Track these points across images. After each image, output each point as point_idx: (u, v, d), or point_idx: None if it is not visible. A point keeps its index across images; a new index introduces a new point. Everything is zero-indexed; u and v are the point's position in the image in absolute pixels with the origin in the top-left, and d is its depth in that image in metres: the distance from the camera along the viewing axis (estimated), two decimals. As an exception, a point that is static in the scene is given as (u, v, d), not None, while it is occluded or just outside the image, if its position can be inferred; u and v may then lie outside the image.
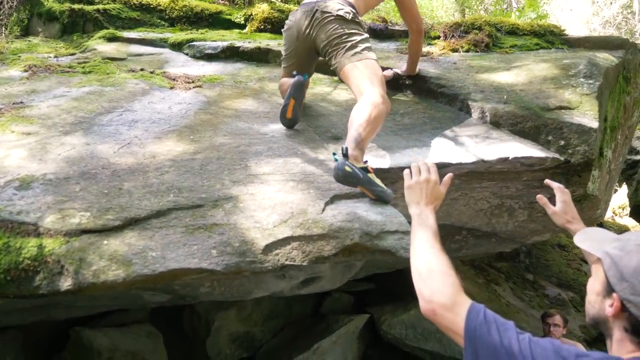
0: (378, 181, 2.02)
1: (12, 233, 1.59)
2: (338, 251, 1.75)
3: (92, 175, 1.93)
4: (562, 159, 2.54)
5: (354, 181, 1.96)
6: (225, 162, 2.14)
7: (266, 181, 2.02)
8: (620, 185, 7.85)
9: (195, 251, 1.62)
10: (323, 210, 1.88)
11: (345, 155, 1.99)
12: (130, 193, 1.84)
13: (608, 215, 8.09)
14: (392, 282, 5.06)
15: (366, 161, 2.11)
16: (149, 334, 3.79)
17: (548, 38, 3.68)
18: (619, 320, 1.00)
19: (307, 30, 2.55)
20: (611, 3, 7.82)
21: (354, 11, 2.55)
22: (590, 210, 3.40)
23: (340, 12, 2.50)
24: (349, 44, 2.44)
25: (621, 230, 7.61)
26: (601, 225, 6.96)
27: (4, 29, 3.88)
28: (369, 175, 1.99)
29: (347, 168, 1.94)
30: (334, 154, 2.11)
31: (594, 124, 2.52)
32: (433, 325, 4.31)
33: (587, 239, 1.15)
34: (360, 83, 2.34)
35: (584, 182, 2.92)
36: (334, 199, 1.97)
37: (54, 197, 1.75)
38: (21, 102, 2.52)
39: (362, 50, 2.44)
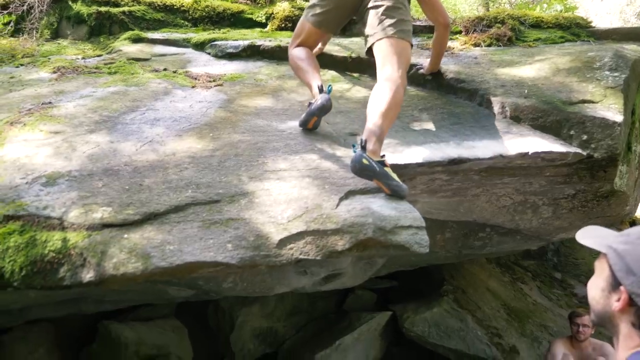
0: (394, 175, 2.02)
1: (38, 227, 1.66)
2: (352, 246, 1.76)
3: (114, 171, 1.99)
4: (584, 153, 2.48)
5: (370, 174, 1.98)
6: (242, 158, 2.18)
7: (282, 177, 2.05)
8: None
9: (211, 245, 1.66)
10: (337, 205, 1.89)
11: (364, 147, 2.01)
12: (150, 189, 1.90)
13: (641, 213, 7.82)
14: (415, 280, 5.04)
15: (383, 155, 2.11)
16: (175, 328, 3.90)
17: (574, 30, 3.59)
18: (626, 315, 0.98)
19: None
20: (645, -7, 7.55)
21: None
22: (619, 207, 3.31)
23: None
24: (398, 18, 2.39)
25: (656, 228, 7.34)
26: (633, 222, 6.75)
27: (35, 32, 4.03)
28: (386, 169, 2.00)
29: (365, 161, 1.97)
30: (354, 145, 2.12)
31: (618, 118, 2.45)
32: (457, 323, 4.26)
33: (589, 236, 1.13)
34: (390, 60, 2.32)
35: (610, 178, 2.85)
36: (349, 194, 1.98)
37: (78, 193, 1.82)
38: (50, 103, 2.62)
39: (406, 30, 2.40)
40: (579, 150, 2.48)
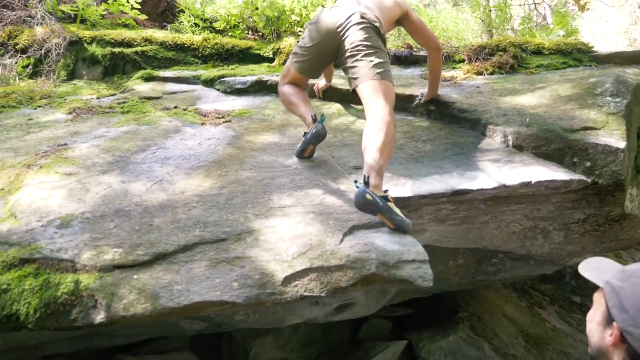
0: (397, 210, 2.05)
1: (52, 269, 1.72)
2: (355, 281, 1.78)
3: (125, 212, 2.06)
4: (589, 180, 2.48)
5: (374, 209, 2.02)
6: (249, 195, 2.24)
7: (287, 213, 2.10)
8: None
9: (217, 284, 1.70)
10: (341, 241, 1.93)
11: (367, 183, 2.06)
12: (159, 229, 1.96)
13: (660, 233, 7.65)
14: (430, 307, 4.98)
15: (386, 190, 2.16)
16: (189, 361, 3.90)
17: (575, 56, 3.63)
18: (618, 350, 1.00)
19: (340, 29, 2.56)
20: (650, 12, 7.57)
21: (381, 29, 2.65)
22: (632, 230, 3.27)
23: (376, 24, 2.58)
24: (377, 61, 2.48)
25: (676, 248, 7.16)
26: (653, 244, 6.60)
27: (52, 74, 4.21)
28: (389, 204, 2.04)
29: (368, 196, 2.01)
30: (356, 181, 2.17)
31: (621, 144, 2.45)
32: (473, 351, 4.18)
33: (591, 268, 1.15)
34: (377, 100, 2.39)
35: (620, 202, 2.83)
36: (353, 229, 2.02)
37: (91, 235, 1.89)
38: (65, 144, 2.72)
39: (386, 71, 2.50)
40: (583, 177, 2.48)
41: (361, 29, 2.52)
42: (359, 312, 3.59)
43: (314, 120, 2.53)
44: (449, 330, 4.64)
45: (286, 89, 2.82)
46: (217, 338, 4.35)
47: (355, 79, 2.51)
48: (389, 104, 2.39)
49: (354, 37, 2.52)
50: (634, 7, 7.89)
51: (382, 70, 2.47)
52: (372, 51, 2.50)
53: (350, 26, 2.53)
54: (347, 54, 2.53)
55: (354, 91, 2.61)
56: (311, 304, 3.09)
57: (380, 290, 3.41)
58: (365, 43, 2.50)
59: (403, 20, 2.92)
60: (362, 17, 2.54)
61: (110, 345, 3.34)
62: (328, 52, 2.67)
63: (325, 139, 2.55)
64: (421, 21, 2.98)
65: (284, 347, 4.36)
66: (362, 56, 2.48)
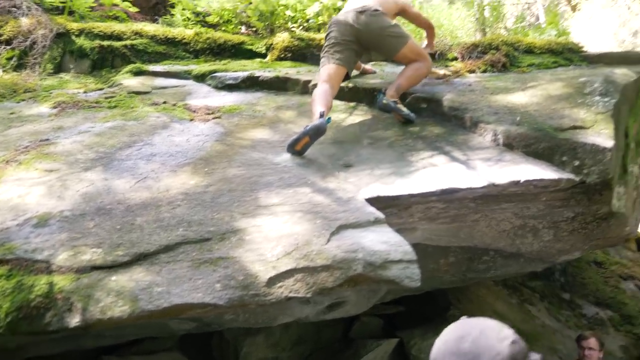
0: (405, 109, 2.94)
1: (25, 271, 1.67)
2: (342, 282, 1.75)
3: (107, 210, 2.01)
4: (577, 179, 2.48)
5: (388, 109, 2.91)
6: (236, 194, 2.19)
7: (274, 212, 2.06)
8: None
9: (199, 285, 1.65)
10: (328, 240, 1.89)
11: (384, 93, 2.93)
12: (141, 228, 1.91)
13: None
14: (421, 304, 4.97)
15: (396, 100, 2.93)
16: (179, 361, 3.85)
17: (566, 55, 3.65)
18: None
19: (363, 17, 3.09)
20: (637, 14, 7.61)
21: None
22: (619, 228, 3.29)
23: (379, 9, 3.15)
24: (397, 33, 3.13)
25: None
26: (638, 241, 6.66)
27: (38, 66, 4.11)
28: (398, 105, 2.91)
29: (384, 101, 2.89)
30: (379, 93, 3.00)
31: (609, 143, 2.46)
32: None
33: None
34: (413, 58, 3.12)
35: (607, 200, 2.84)
36: (340, 229, 1.98)
37: (69, 234, 1.84)
38: (47, 139, 2.66)
39: (407, 35, 3.17)
40: (571, 176, 2.48)
41: (377, 15, 3.11)
42: (350, 310, 3.56)
43: (321, 116, 2.59)
44: (440, 327, 4.58)
45: (321, 87, 2.99)
46: (208, 337, 4.31)
47: (390, 51, 3.19)
48: (420, 55, 3.16)
49: (374, 25, 3.09)
50: (623, 9, 7.93)
51: (406, 37, 3.16)
52: (392, 27, 3.13)
53: (369, 15, 3.09)
54: (374, 37, 3.13)
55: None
56: (302, 303, 3.04)
57: (371, 289, 3.39)
58: (385, 25, 3.10)
59: (402, 14, 3.50)
60: (372, 9, 3.10)
61: (96, 346, 3.28)
62: (357, 39, 3.14)
63: (321, 137, 2.60)
64: (418, 14, 3.69)
65: (275, 345, 4.32)
66: (387, 34, 3.10)
